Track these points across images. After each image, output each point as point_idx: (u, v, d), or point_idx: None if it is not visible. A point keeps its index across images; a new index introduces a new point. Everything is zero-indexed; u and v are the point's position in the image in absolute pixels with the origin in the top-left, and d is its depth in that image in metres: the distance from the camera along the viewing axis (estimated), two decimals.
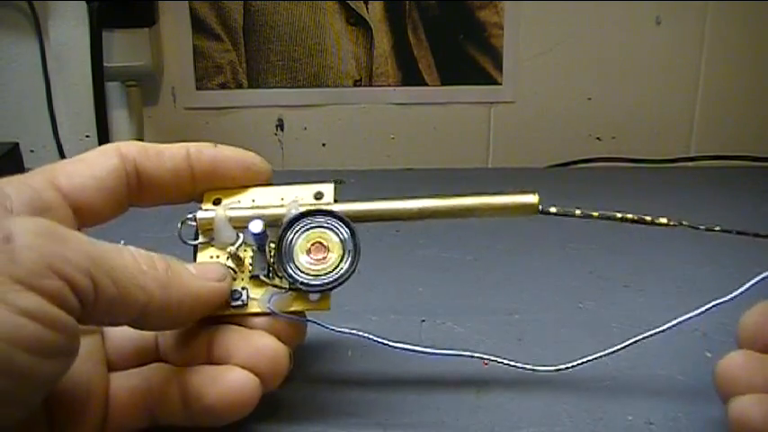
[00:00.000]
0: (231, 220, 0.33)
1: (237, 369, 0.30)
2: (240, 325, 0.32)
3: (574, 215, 0.34)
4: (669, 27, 0.80)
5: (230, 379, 0.30)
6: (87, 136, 0.82)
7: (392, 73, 0.83)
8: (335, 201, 0.34)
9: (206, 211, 0.33)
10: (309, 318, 0.32)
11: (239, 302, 0.32)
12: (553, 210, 0.33)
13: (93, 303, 0.24)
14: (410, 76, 0.83)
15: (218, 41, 0.81)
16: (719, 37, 0.80)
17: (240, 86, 0.82)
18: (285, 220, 0.32)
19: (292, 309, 0.32)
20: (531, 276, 0.47)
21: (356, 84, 0.83)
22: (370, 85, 0.83)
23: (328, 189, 0.34)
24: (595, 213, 0.33)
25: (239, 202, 0.34)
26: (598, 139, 0.84)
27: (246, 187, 0.34)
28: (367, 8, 0.80)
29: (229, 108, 0.83)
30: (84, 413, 0.29)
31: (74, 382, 0.29)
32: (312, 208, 0.33)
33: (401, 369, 0.37)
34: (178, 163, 0.33)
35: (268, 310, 0.31)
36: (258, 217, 0.32)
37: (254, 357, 0.30)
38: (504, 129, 0.84)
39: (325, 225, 0.32)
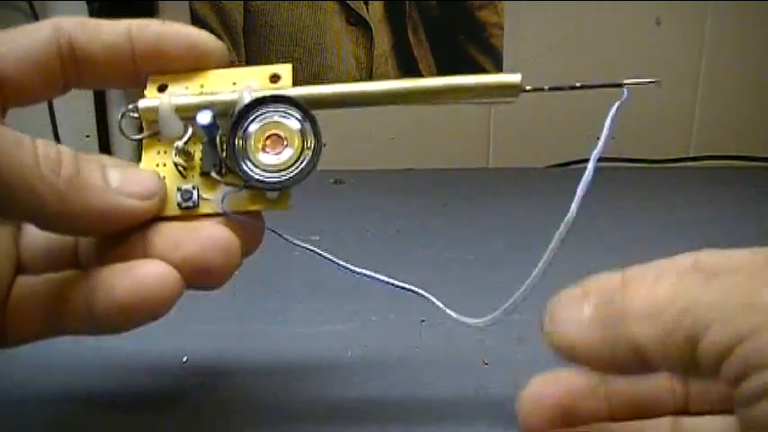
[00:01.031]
0: (177, 109, 0.29)
1: (155, 261, 0.27)
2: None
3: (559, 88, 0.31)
4: (669, 27, 0.80)
5: (145, 270, 0.26)
6: (87, 136, 0.82)
7: (392, 73, 0.83)
8: (294, 84, 0.30)
9: (148, 100, 0.30)
10: (269, 227, 0.30)
11: (189, 203, 0.28)
12: (529, 87, 0.31)
13: None
14: (410, 76, 0.83)
15: None
16: (719, 37, 0.80)
17: None
18: (236, 108, 0.29)
19: (248, 208, 0.29)
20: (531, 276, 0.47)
21: None
22: None
23: (286, 71, 0.30)
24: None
25: (186, 88, 0.30)
26: (598, 138, 0.84)
27: (196, 71, 0.30)
28: (367, 8, 0.80)
29: None
30: None
31: None
32: (267, 94, 0.29)
33: (401, 370, 0.37)
34: (117, 37, 0.29)
35: (221, 211, 0.28)
36: (207, 106, 0.29)
37: (207, 249, 0.27)
38: (504, 129, 0.84)
39: (282, 114, 0.29)
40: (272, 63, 0.30)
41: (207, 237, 0.27)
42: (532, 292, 0.45)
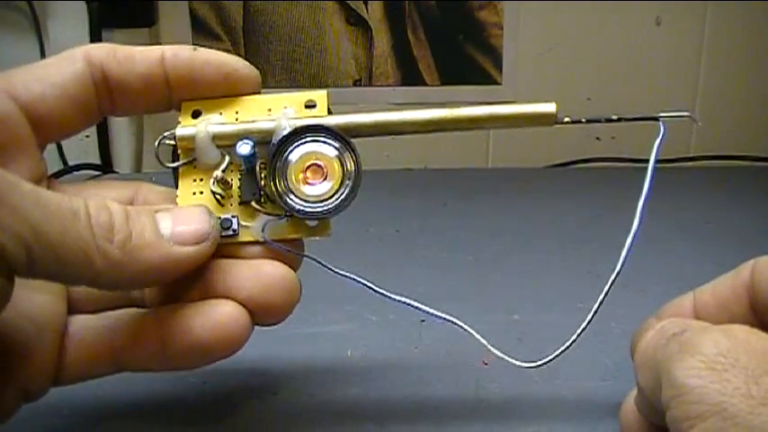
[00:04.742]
0: (215, 137, 0.29)
1: (228, 302, 0.28)
2: (229, 256, 0.29)
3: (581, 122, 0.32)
4: (669, 27, 0.80)
5: (222, 311, 0.27)
6: (87, 136, 0.82)
7: (392, 73, 0.83)
8: (329, 111, 0.30)
9: (185, 128, 0.29)
10: (310, 256, 0.30)
11: (230, 232, 0.28)
12: (567, 119, 0.31)
13: (26, 269, 0.22)
14: (410, 76, 0.83)
15: (217, 42, 0.81)
16: (719, 37, 0.80)
17: None
18: (275, 139, 0.28)
19: (290, 236, 0.29)
20: (531, 276, 0.47)
21: (356, 84, 0.83)
22: (370, 86, 0.83)
23: (321, 98, 0.30)
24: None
25: (221, 114, 0.30)
26: (597, 138, 0.84)
27: (229, 97, 0.30)
28: (366, 8, 0.80)
29: None
30: (30, 349, 0.26)
31: (19, 315, 0.26)
32: (305, 123, 0.29)
33: (400, 368, 0.37)
34: (150, 67, 0.29)
35: (262, 239, 0.29)
36: (246, 135, 0.29)
37: (270, 288, 0.28)
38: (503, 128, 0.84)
39: (322, 143, 0.29)
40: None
41: (269, 275, 0.28)
42: (531, 293, 0.46)
